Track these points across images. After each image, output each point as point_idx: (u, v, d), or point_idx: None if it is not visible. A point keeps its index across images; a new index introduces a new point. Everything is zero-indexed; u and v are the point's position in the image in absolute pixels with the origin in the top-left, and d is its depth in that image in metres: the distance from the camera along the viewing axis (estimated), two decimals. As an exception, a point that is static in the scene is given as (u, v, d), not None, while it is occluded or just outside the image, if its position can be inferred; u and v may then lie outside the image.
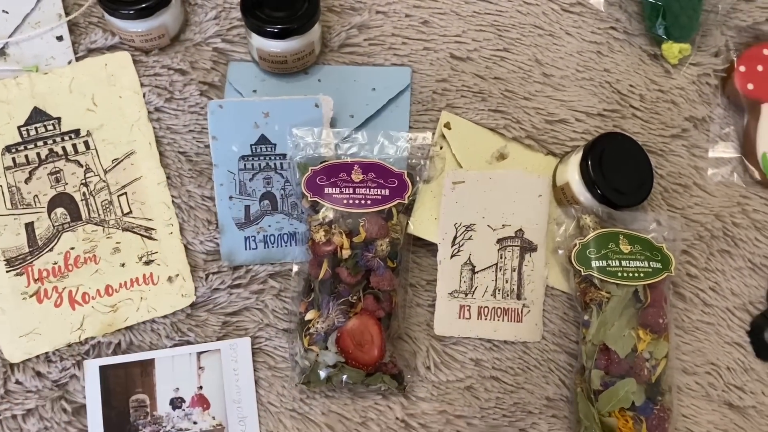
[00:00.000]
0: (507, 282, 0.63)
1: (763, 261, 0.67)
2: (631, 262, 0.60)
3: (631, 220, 0.63)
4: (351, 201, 0.60)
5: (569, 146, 0.67)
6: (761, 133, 0.68)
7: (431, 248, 0.63)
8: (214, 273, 0.61)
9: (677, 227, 0.63)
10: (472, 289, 0.62)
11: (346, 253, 0.59)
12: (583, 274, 0.60)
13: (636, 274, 0.60)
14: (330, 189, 0.60)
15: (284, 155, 0.63)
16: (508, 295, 0.63)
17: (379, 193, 0.60)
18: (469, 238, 0.63)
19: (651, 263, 0.61)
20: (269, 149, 0.63)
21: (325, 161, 0.61)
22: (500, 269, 0.63)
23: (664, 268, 0.61)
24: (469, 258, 0.62)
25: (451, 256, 0.62)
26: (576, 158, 0.62)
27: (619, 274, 0.60)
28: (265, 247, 0.62)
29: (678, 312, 0.65)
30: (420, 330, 0.62)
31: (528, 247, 0.63)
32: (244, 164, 0.62)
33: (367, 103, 0.65)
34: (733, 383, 0.64)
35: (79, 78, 0.64)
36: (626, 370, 0.58)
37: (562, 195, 0.64)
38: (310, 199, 0.60)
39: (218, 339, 0.61)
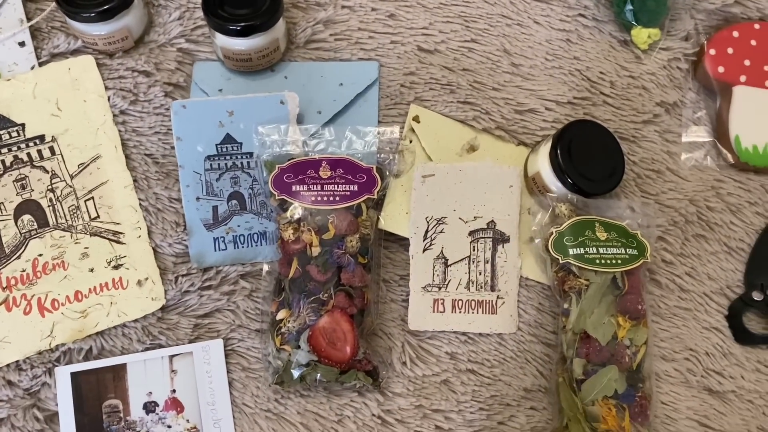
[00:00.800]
0: (480, 274, 0.62)
1: (739, 244, 0.66)
2: (608, 249, 0.60)
3: (605, 208, 0.62)
4: (319, 198, 0.59)
5: (540, 136, 0.66)
6: (733, 116, 0.68)
7: (404, 243, 0.63)
8: (183, 275, 0.61)
9: (651, 213, 0.63)
10: (446, 283, 0.62)
11: (315, 250, 0.58)
12: (561, 262, 0.60)
13: (613, 261, 0.60)
14: (298, 186, 0.59)
15: (251, 154, 0.62)
16: (482, 288, 0.62)
17: (347, 189, 0.60)
18: (440, 232, 0.62)
19: (627, 250, 0.60)
20: (235, 148, 0.62)
21: (293, 158, 0.61)
22: (473, 261, 0.62)
23: (640, 254, 0.61)
24: (442, 251, 0.62)
25: (424, 250, 0.62)
26: (546, 148, 0.62)
27: (597, 261, 0.59)
28: (235, 248, 0.62)
29: (655, 299, 0.64)
30: (395, 325, 0.62)
31: (500, 239, 0.62)
32: (210, 164, 0.62)
33: (335, 98, 0.65)
34: (713, 368, 0.63)
35: (42, 83, 0.63)
36: (608, 357, 0.58)
37: (533, 185, 0.64)
38: (278, 197, 0.59)
39: (190, 342, 0.60)
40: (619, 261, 0.60)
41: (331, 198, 0.59)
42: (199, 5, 0.67)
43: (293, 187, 0.59)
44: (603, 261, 0.60)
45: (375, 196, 0.60)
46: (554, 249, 0.60)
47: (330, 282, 0.58)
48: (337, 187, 0.60)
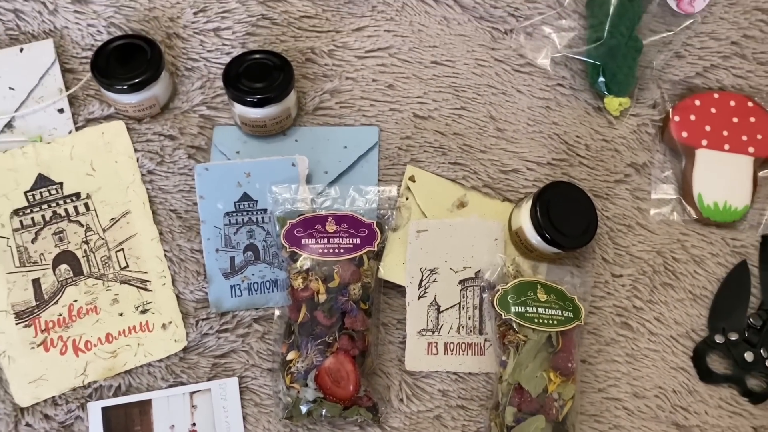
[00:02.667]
0: (470, 319, 0.69)
1: (703, 292, 0.73)
2: (546, 309, 0.67)
3: (549, 271, 0.70)
4: (326, 250, 0.66)
5: (522, 193, 0.74)
6: (696, 176, 0.75)
7: (400, 290, 0.70)
8: (203, 319, 0.68)
9: (588, 280, 0.71)
10: (439, 327, 0.69)
11: (322, 297, 0.65)
12: (503, 317, 0.67)
13: (550, 321, 0.66)
14: (306, 240, 0.67)
15: (265, 210, 0.70)
16: (471, 331, 0.69)
17: (351, 242, 0.67)
18: (433, 281, 0.69)
19: (564, 312, 0.67)
20: (251, 205, 0.69)
21: (302, 214, 0.68)
22: (463, 308, 0.69)
23: (575, 317, 0.67)
24: (435, 298, 0.69)
25: (419, 298, 0.69)
26: (527, 205, 0.69)
27: (536, 320, 0.66)
28: (249, 294, 0.69)
29: (627, 341, 0.71)
30: (392, 365, 0.68)
31: (487, 286, 0.70)
32: (229, 219, 0.69)
33: (340, 159, 0.73)
34: (679, 405, 0.70)
35: (78, 146, 0.71)
36: (537, 408, 0.64)
37: (516, 238, 0.71)
38: (288, 249, 0.67)
39: (209, 379, 0.67)
40: (556, 322, 0.67)
41: (336, 250, 0.66)
42: (218, 76, 0.75)
43: (302, 241, 0.67)
44: (541, 320, 0.66)
45: (375, 249, 0.68)
46: (498, 305, 0.67)
47: (335, 326, 0.65)
48: (342, 240, 0.67)
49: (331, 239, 0.67)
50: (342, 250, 0.66)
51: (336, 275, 0.66)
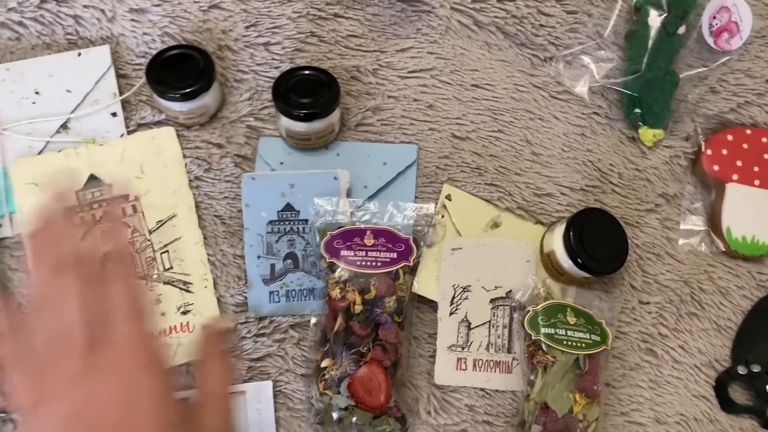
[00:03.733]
0: (499, 337, 0.71)
1: (727, 323, 0.75)
2: (575, 332, 0.69)
3: (578, 294, 0.72)
4: (363, 263, 0.69)
5: (555, 217, 0.76)
6: (726, 210, 0.77)
7: (432, 305, 0.72)
8: (242, 323, 0.70)
9: (616, 305, 0.72)
10: (468, 344, 0.71)
11: (358, 308, 0.67)
12: (533, 338, 0.69)
13: (579, 344, 0.68)
14: (345, 252, 0.69)
15: (306, 221, 0.72)
16: (499, 350, 0.71)
17: (388, 256, 0.69)
18: (465, 298, 0.71)
19: (592, 336, 0.69)
20: (293, 215, 0.72)
21: (342, 227, 0.71)
22: (493, 326, 0.71)
23: (602, 341, 0.69)
24: (466, 316, 0.71)
25: (450, 314, 0.71)
26: (560, 229, 0.71)
27: (565, 342, 0.68)
28: (287, 301, 0.71)
29: (651, 367, 0.73)
30: (421, 378, 0.70)
31: (517, 307, 0.71)
32: (272, 228, 0.71)
33: (379, 175, 0.75)
34: (700, 433, 0.72)
35: (130, 149, 0.74)
36: (562, 428, 0.66)
37: (547, 261, 0.73)
38: (327, 260, 0.69)
39: (244, 382, 0.69)
40: (584, 345, 0.68)
41: (374, 263, 0.69)
42: (266, 88, 0.78)
43: (341, 252, 0.69)
44: (570, 343, 0.68)
45: (411, 264, 0.70)
46: (529, 325, 0.69)
47: (369, 337, 0.67)
48: (379, 254, 0.69)
49: (369, 252, 0.69)
50: (379, 264, 0.69)
51: (372, 287, 0.68)
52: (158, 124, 0.76)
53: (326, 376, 0.66)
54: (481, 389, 0.70)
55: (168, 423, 0.44)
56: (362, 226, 0.71)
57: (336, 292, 0.68)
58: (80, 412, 0.42)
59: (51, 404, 0.43)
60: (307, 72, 0.73)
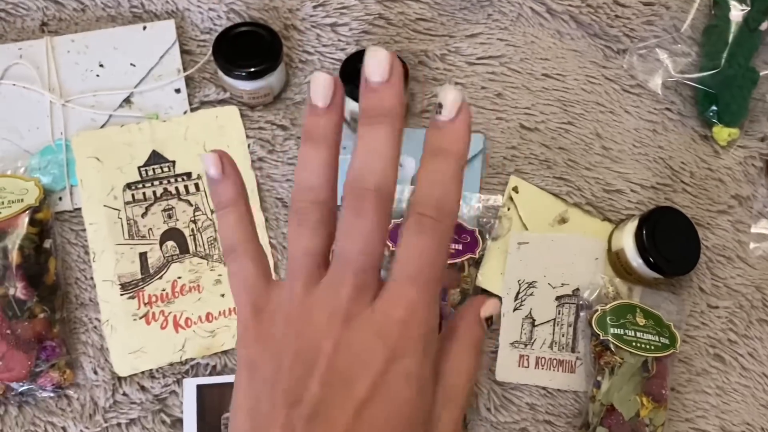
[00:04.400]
0: (563, 336, 0.69)
1: (799, 332, 0.72)
2: (644, 334, 0.66)
3: (646, 295, 0.70)
4: (429, 253, 0.67)
5: (624, 214, 0.74)
6: (801, 214, 0.74)
7: (493, 299, 0.70)
8: (301, 308, 0.69)
9: (685, 309, 0.70)
10: (532, 341, 0.69)
11: (422, 299, 0.66)
12: (601, 338, 0.67)
13: (648, 346, 0.66)
14: (410, 241, 0.67)
15: (370, 207, 0.70)
16: (563, 348, 0.69)
17: (453, 247, 0.67)
18: (530, 294, 0.69)
19: (661, 338, 0.67)
20: (357, 201, 0.70)
21: (406, 215, 0.69)
22: (557, 324, 0.69)
23: (671, 344, 0.67)
24: (530, 312, 0.69)
25: (514, 310, 0.69)
26: (631, 227, 0.69)
27: (633, 344, 0.66)
28: (347, 288, 0.69)
29: (719, 373, 0.70)
30: (481, 374, 0.69)
31: (583, 305, 0.69)
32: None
33: (445, 164, 0.73)
34: (766, 444, 0.69)
35: (192, 127, 0.73)
36: (628, 431, 0.64)
37: (615, 259, 0.71)
38: (392, 248, 0.67)
39: (301, 368, 0.68)
40: (652, 347, 0.66)
41: (440, 254, 0.67)
42: (331, 71, 0.76)
43: (407, 242, 0.67)
44: (638, 344, 0.66)
45: (476, 256, 0.68)
46: (597, 325, 0.67)
47: (432, 329, 0.65)
48: (445, 245, 0.67)
49: (434, 242, 0.67)
50: (445, 255, 0.67)
51: (438, 279, 0.66)
52: (221, 102, 0.74)
53: (387, 367, 0.65)
54: (543, 388, 0.69)
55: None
56: (428, 215, 0.69)
57: (400, 282, 0.66)
58: None
59: None
60: (376, 55, 0.71)
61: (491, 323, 0.40)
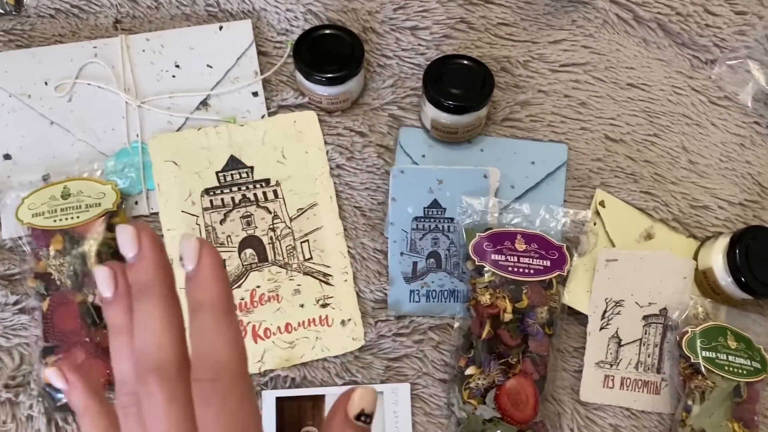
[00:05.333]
0: (649, 356, 0.67)
1: None
2: (736, 358, 0.64)
3: (734, 317, 0.67)
4: (515, 269, 0.65)
5: (711, 232, 0.71)
6: None
7: (578, 317, 0.68)
8: (382, 321, 0.67)
9: None
10: (617, 361, 0.67)
11: (508, 317, 0.64)
12: (692, 361, 0.64)
13: (740, 371, 0.64)
14: (496, 256, 0.65)
15: (452, 219, 0.68)
16: (648, 369, 0.67)
17: (541, 263, 0.65)
18: (617, 313, 0.67)
19: (752, 362, 0.65)
20: (440, 213, 0.68)
21: (490, 228, 0.67)
22: (643, 344, 0.67)
23: (762, 369, 0.65)
24: (616, 332, 0.67)
25: (600, 329, 0.67)
26: (720, 245, 0.67)
27: (726, 368, 0.64)
28: (427, 301, 0.68)
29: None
30: (564, 393, 0.67)
31: (671, 326, 0.67)
32: (417, 225, 0.68)
33: (527, 175, 0.71)
34: None
35: (271, 132, 0.71)
36: None
37: (703, 278, 0.69)
38: (477, 263, 0.65)
39: (381, 382, 0.66)
40: (744, 372, 0.64)
41: (526, 270, 0.65)
42: (409, 76, 0.74)
43: (492, 256, 0.65)
44: (731, 369, 0.64)
45: (564, 273, 0.66)
46: (687, 347, 0.65)
47: (519, 347, 0.64)
48: (532, 260, 0.65)
49: (520, 258, 0.65)
50: (532, 271, 0.65)
51: (525, 296, 0.64)
52: (299, 107, 0.72)
53: (471, 385, 0.63)
54: (627, 409, 0.67)
55: None
56: (512, 229, 0.67)
57: (486, 298, 0.64)
58: None
59: None
60: (464, 61, 0.69)
61: (368, 419, 0.36)
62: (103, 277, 0.34)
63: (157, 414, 0.32)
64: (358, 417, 0.35)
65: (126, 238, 0.33)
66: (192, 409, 0.32)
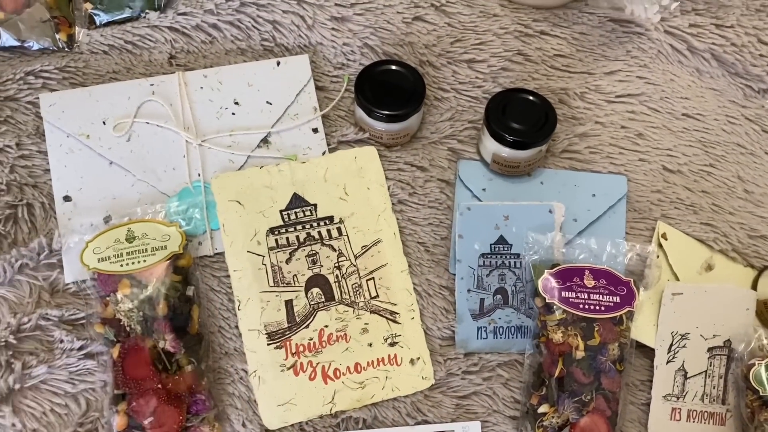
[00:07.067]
0: (714, 388, 0.68)
1: None
2: None
3: None
4: (586, 306, 0.65)
5: (768, 261, 0.72)
6: None
7: (643, 350, 0.69)
8: (451, 359, 0.67)
9: None
10: (684, 393, 0.67)
11: (579, 354, 0.64)
12: (760, 394, 0.65)
13: None
14: (566, 293, 0.66)
15: (518, 255, 0.68)
16: (714, 401, 0.68)
17: (611, 300, 0.66)
18: (683, 346, 0.68)
19: None
20: (506, 249, 0.68)
21: (557, 264, 0.67)
22: (709, 376, 0.68)
23: None
24: (683, 364, 0.68)
25: (667, 362, 0.68)
26: (783, 277, 0.68)
27: None
28: (494, 338, 0.68)
29: None
30: (633, 427, 0.67)
31: (738, 358, 0.68)
32: (483, 261, 0.68)
33: (589, 208, 0.71)
34: None
35: (332, 168, 0.70)
36: None
37: (764, 308, 0.69)
38: (547, 300, 0.66)
39: (452, 420, 0.66)
40: None
41: (597, 307, 0.65)
42: (466, 108, 0.74)
43: (562, 293, 0.66)
44: None
45: (634, 309, 0.66)
46: (754, 380, 0.65)
47: (592, 385, 0.64)
48: (602, 297, 0.66)
49: (591, 294, 0.66)
50: (602, 308, 0.65)
51: (596, 334, 0.65)
52: (358, 142, 0.72)
53: (545, 423, 0.63)
54: (694, 441, 0.68)
55: None
56: (580, 265, 0.67)
57: (558, 336, 0.65)
58: None
59: None
60: (525, 95, 0.69)
61: None
62: None
63: None
64: None
65: None
66: None
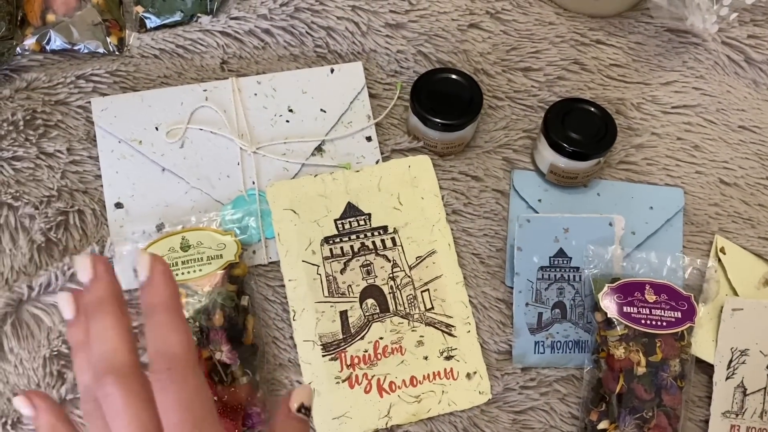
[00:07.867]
0: (774, 405, 0.67)
1: None
2: None
3: None
4: (647, 321, 0.64)
5: (827, 277, 0.71)
6: None
7: (701, 365, 0.68)
8: (508, 374, 0.66)
9: None
10: (743, 411, 0.66)
11: (641, 370, 0.63)
12: None
13: None
14: (628, 308, 0.65)
15: (577, 268, 0.67)
16: (773, 418, 0.67)
17: (672, 315, 0.65)
18: (742, 362, 0.67)
19: None
20: (565, 262, 0.67)
21: (617, 278, 0.66)
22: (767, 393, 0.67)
23: None
24: (742, 381, 0.67)
25: (726, 378, 0.67)
26: (844, 294, 0.67)
27: None
28: (551, 352, 0.67)
29: None
30: (691, 443, 0.67)
31: (798, 375, 0.67)
32: (542, 275, 0.67)
33: (647, 221, 0.70)
34: None
35: (386, 178, 0.69)
36: None
37: (822, 324, 0.68)
38: (608, 315, 0.65)
39: (509, 436, 0.65)
40: None
41: (658, 323, 0.64)
42: (521, 117, 0.73)
43: (624, 308, 0.65)
44: None
45: (695, 324, 0.65)
46: None
47: (653, 401, 0.63)
48: (663, 312, 0.65)
49: (652, 310, 0.65)
50: (664, 323, 0.64)
51: (658, 350, 0.64)
52: (411, 151, 0.71)
53: (605, 440, 0.63)
54: (753, 459, 0.67)
55: None
56: (640, 279, 0.66)
57: (620, 352, 0.64)
58: None
59: None
60: (584, 106, 0.68)
61: (308, 412, 0.42)
62: (64, 300, 0.40)
63: (117, 410, 0.35)
64: (298, 410, 0.41)
65: (83, 266, 0.38)
66: (151, 404, 0.36)
